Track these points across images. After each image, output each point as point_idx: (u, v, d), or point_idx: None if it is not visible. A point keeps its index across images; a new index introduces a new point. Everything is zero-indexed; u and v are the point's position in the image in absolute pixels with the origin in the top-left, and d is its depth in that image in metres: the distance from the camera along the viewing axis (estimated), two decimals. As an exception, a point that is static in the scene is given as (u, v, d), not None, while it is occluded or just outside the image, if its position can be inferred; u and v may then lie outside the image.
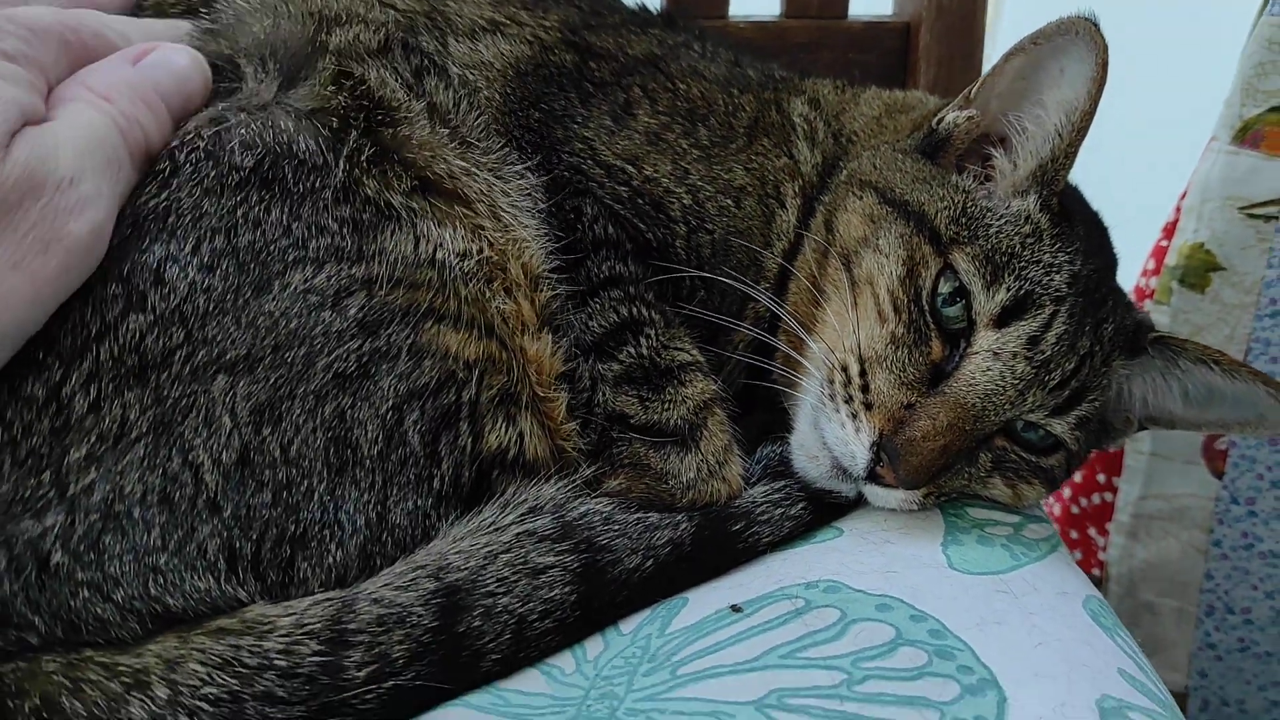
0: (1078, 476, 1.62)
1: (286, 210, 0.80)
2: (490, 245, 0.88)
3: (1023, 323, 0.91)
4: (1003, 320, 0.91)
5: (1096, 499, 1.59)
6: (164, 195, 0.78)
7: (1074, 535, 1.64)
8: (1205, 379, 0.98)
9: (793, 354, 0.97)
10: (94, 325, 0.74)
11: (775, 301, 0.99)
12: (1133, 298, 1.49)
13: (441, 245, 0.84)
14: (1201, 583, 1.50)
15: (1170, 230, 1.43)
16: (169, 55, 0.81)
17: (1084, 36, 0.90)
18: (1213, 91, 1.39)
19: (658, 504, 0.90)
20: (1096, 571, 1.62)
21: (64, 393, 0.73)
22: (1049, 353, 0.91)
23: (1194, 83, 1.65)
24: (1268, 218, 1.30)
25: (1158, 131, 1.66)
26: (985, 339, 0.91)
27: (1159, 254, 1.44)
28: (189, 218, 0.78)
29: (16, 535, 0.71)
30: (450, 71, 0.95)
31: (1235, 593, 1.48)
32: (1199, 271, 1.37)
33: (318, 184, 0.82)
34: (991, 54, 1.53)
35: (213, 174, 0.79)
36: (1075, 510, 1.63)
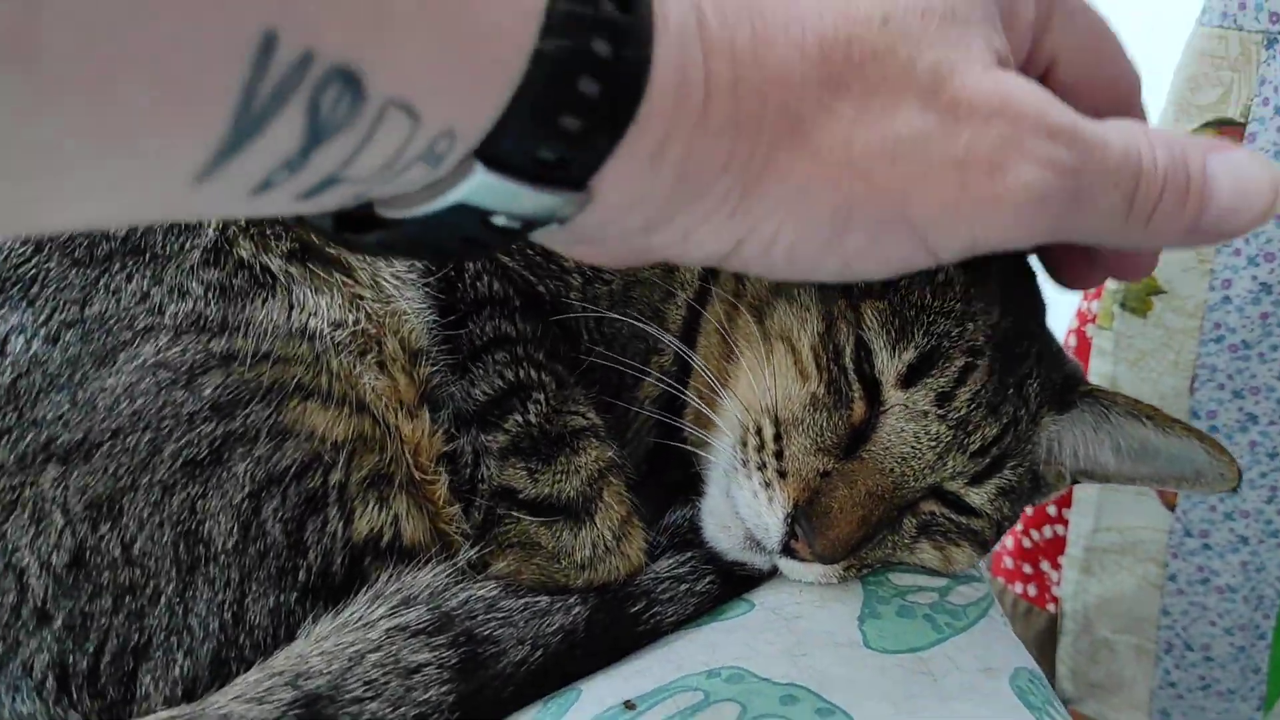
0: (1028, 510, 1.56)
1: (148, 275, 0.73)
2: (368, 317, 0.80)
3: (928, 379, 0.83)
4: (909, 378, 0.83)
5: (1048, 532, 1.53)
6: (34, 261, 0.71)
7: (1027, 570, 1.58)
8: (1138, 434, 0.91)
9: (704, 409, 0.89)
10: None
11: (684, 350, 0.91)
12: (1074, 322, 1.44)
13: (316, 314, 0.77)
14: (1158, 618, 1.44)
15: (1111, 252, 1.37)
16: (1250, 168, 0.64)
17: None
18: (1152, 106, 1.33)
19: (551, 587, 0.82)
20: (1051, 607, 1.55)
21: None
22: (964, 410, 0.83)
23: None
24: (1208, 240, 1.25)
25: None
26: (895, 398, 0.83)
27: (1100, 277, 1.39)
28: (52, 288, 0.71)
29: None
30: None
31: (1194, 629, 1.42)
32: (1140, 295, 1.31)
33: (187, 244, 0.74)
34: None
35: (84, 243, 0.72)
36: (1027, 544, 1.57)
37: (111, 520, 0.69)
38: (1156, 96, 1.28)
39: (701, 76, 0.51)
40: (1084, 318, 1.41)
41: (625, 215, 0.53)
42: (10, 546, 0.67)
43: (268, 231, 0.77)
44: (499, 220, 0.49)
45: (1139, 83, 0.69)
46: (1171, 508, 1.38)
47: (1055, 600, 1.54)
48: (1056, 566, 1.53)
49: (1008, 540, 1.61)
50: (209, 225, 0.75)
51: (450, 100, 0.44)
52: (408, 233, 0.49)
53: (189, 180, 0.38)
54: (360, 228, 0.50)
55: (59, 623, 0.67)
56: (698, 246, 0.57)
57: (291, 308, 0.76)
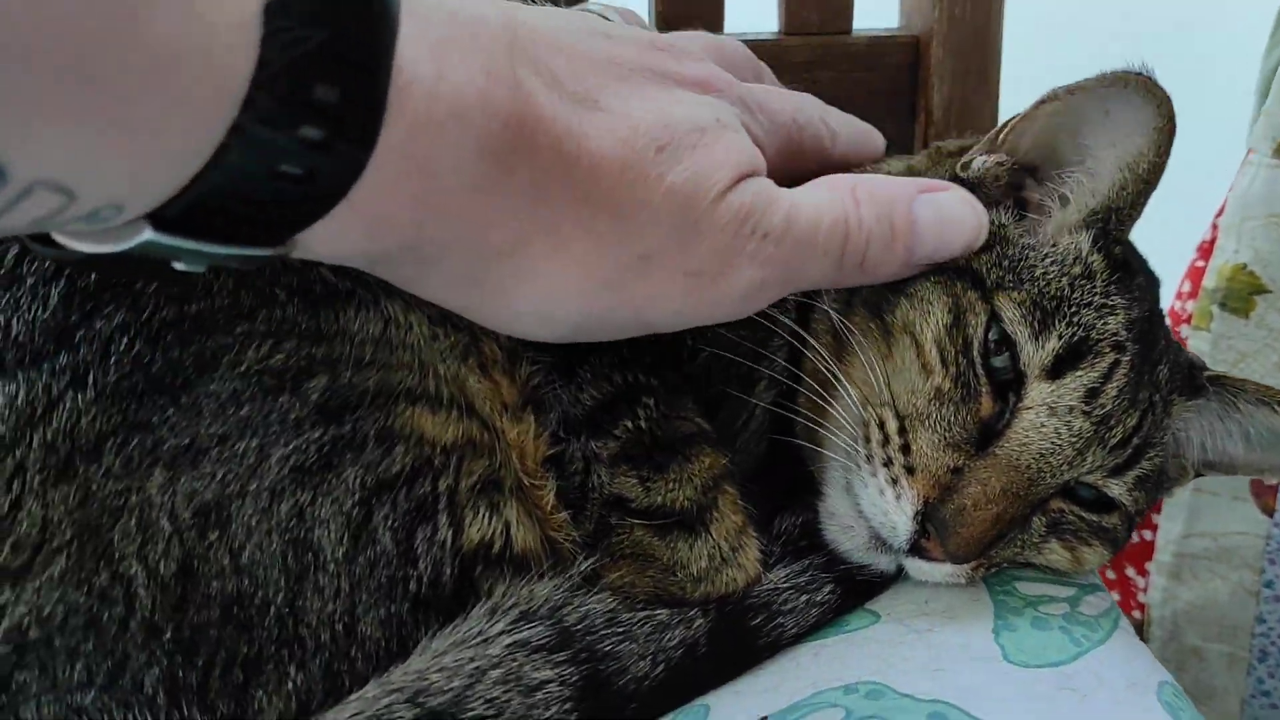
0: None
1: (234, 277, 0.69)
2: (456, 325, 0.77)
3: (1079, 373, 0.80)
4: (1056, 371, 0.80)
5: (1135, 537, 1.49)
6: None
7: (1111, 576, 1.54)
8: (1269, 421, 0.88)
9: (823, 399, 0.86)
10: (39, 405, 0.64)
11: (800, 335, 0.88)
12: (1169, 322, 1.40)
13: (409, 328, 0.73)
14: (1253, 626, 1.40)
15: (1207, 250, 1.33)
16: (955, 205, 0.79)
17: (1136, 90, 0.79)
18: (1240, 97, 1.30)
19: (666, 599, 0.79)
20: (1137, 614, 1.51)
21: None
22: (1109, 406, 0.80)
23: (1218, 89, 1.57)
24: (1315, 236, 1.21)
25: (1183, 141, 1.56)
26: (1039, 392, 0.80)
27: (1195, 275, 1.35)
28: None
29: None
30: None
31: (1290, 637, 1.38)
32: (1241, 294, 1.27)
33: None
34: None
35: None
36: (1111, 549, 1.53)
37: (220, 528, 0.66)
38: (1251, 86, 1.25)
39: (448, 166, 0.55)
40: (1177, 318, 1.37)
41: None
42: (118, 555, 0.64)
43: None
44: (179, 265, 0.50)
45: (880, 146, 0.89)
46: (1270, 513, 1.34)
47: (1141, 607, 1.50)
48: (1143, 573, 1.49)
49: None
50: None
51: (112, 183, 0.43)
52: (89, 259, 0.49)
53: None
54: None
55: (168, 635, 0.64)
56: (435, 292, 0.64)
57: (386, 322, 0.73)
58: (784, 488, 0.91)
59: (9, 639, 0.62)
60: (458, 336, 0.76)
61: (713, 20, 1.33)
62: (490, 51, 0.56)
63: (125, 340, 0.66)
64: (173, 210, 0.46)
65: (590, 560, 0.79)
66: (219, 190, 0.46)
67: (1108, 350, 0.81)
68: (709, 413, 0.89)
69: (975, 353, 0.81)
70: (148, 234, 0.46)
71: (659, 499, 0.81)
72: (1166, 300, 1.37)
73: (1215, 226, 1.31)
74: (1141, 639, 1.49)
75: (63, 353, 0.64)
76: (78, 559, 0.63)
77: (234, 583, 0.66)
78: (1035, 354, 0.80)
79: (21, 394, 0.64)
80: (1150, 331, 0.85)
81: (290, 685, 0.67)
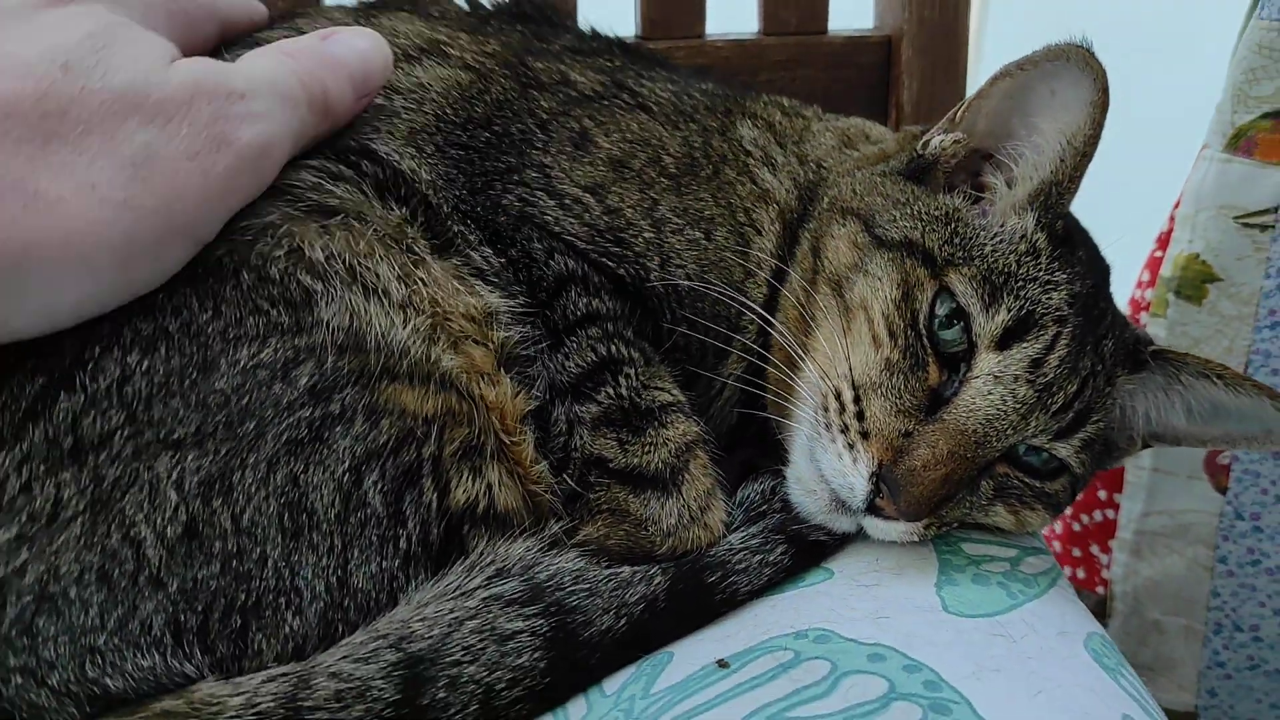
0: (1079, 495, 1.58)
1: (216, 295, 0.77)
2: (419, 309, 0.84)
3: (1025, 344, 0.87)
4: (1004, 342, 0.87)
5: (1098, 516, 1.55)
6: None
7: (1077, 554, 1.60)
8: (1208, 394, 0.95)
9: (786, 375, 0.93)
10: (23, 401, 0.72)
11: (766, 318, 0.95)
12: (1128, 311, 1.46)
13: (369, 320, 0.80)
14: (1208, 600, 1.45)
15: (1164, 240, 1.38)
16: (354, 36, 0.87)
17: (1076, 62, 0.86)
18: (1203, 96, 1.35)
19: (636, 552, 0.86)
20: (1101, 590, 1.57)
21: None
22: (1051, 375, 0.87)
23: (1183, 87, 1.61)
24: (1263, 227, 1.26)
25: (1147, 138, 1.62)
26: (986, 362, 0.87)
27: (1153, 265, 1.40)
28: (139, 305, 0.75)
29: None
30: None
31: (1243, 610, 1.43)
32: (1195, 283, 1.32)
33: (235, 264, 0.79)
34: (976, 69, 1.50)
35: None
36: (1077, 528, 1.59)
37: (223, 496, 0.72)
38: (1214, 85, 1.30)
39: None
40: (1137, 305, 1.43)
41: None
42: (129, 522, 0.70)
43: (301, 245, 0.80)
44: None
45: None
46: (1222, 491, 1.40)
47: (1105, 583, 1.56)
48: (1106, 550, 1.54)
49: (1057, 525, 1.63)
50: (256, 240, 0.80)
51: None
52: None
53: None
54: None
55: (173, 587, 0.71)
56: None
57: (352, 315, 0.79)
58: (751, 457, 0.98)
59: (30, 591, 0.69)
60: (419, 320, 0.82)
61: (695, 21, 1.39)
62: None
63: (118, 353, 0.73)
64: None
65: (561, 524, 0.87)
66: None
67: (1050, 324, 0.87)
68: (686, 384, 0.96)
69: (922, 325, 0.88)
70: None
71: (635, 460, 0.88)
72: (1128, 289, 1.44)
73: (1172, 218, 1.37)
74: (1105, 614, 1.57)
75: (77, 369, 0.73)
76: (90, 526, 0.70)
77: (234, 541, 0.72)
78: (986, 325, 0.87)
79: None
80: (1093, 304, 0.92)
81: (287, 629, 0.73)
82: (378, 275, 0.82)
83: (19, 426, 0.71)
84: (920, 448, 0.84)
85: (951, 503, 0.88)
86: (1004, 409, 0.86)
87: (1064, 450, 0.91)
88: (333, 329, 0.78)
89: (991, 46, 2.12)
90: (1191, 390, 0.96)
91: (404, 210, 0.88)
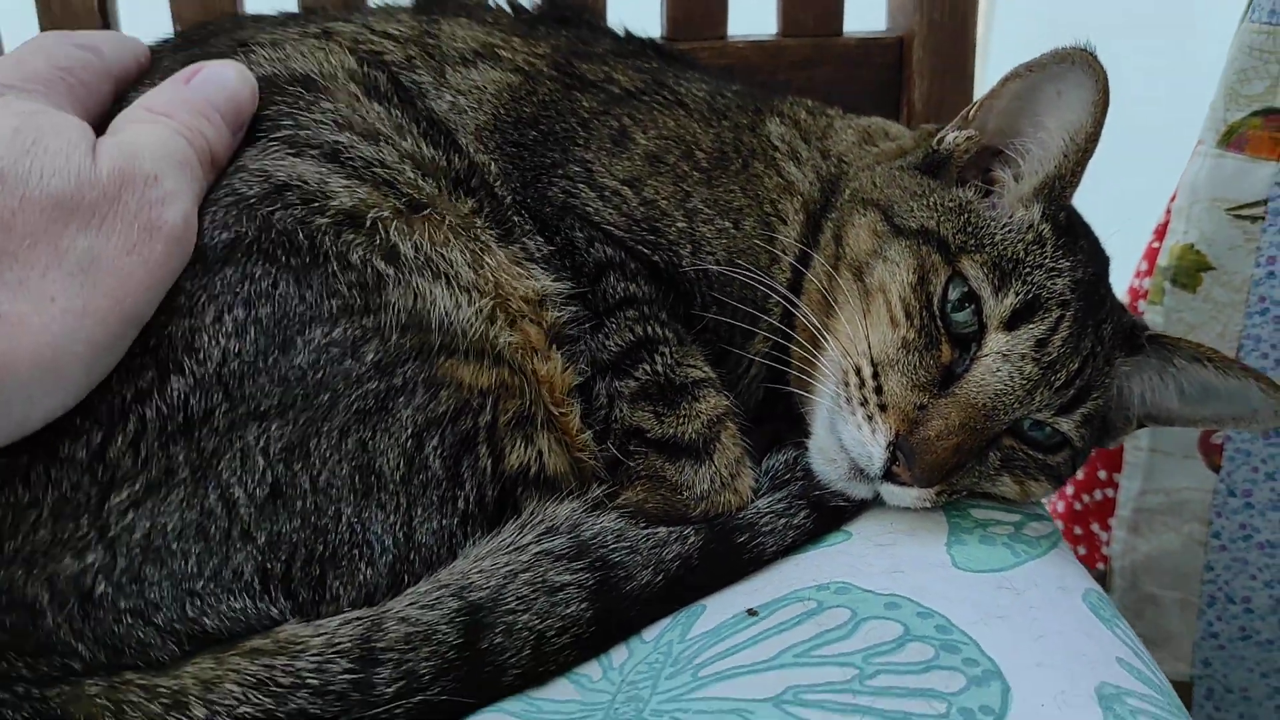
0: (1080, 474, 1.64)
1: (296, 280, 0.84)
2: (482, 291, 0.91)
3: (1031, 325, 0.95)
4: (1012, 324, 0.95)
5: (1099, 495, 1.62)
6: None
7: (1078, 531, 1.67)
8: (1200, 376, 1.03)
9: (810, 353, 1.00)
10: (129, 391, 0.78)
11: (791, 300, 1.03)
12: (1127, 299, 1.53)
13: (434, 302, 0.87)
14: (1202, 574, 1.53)
15: (1161, 232, 1.45)
16: (218, 71, 0.87)
17: (1080, 65, 0.94)
18: (1199, 96, 1.42)
19: (672, 514, 0.94)
20: (1101, 566, 1.64)
21: (109, 454, 0.76)
22: (1055, 354, 0.95)
23: (1180, 87, 1.68)
24: (1254, 218, 1.33)
25: (1146, 136, 1.69)
26: (995, 341, 0.95)
27: (1151, 255, 1.47)
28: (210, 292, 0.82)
29: (59, 573, 0.75)
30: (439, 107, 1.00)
31: (1235, 583, 1.51)
32: (1190, 271, 1.40)
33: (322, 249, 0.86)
34: (983, 68, 1.56)
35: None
36: (1078, 507, 1.66)
37: (302, 460, 0.80)
38: (1213, 84, 1.37)
39: None
40: (1136, 294, 1.50)
41: None
42: (223, 484, 0.78)
43: (392, 238, 0.87)
44: None
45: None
46: (1216, 469, 1.47)
47: (1105, 560, 1.63)
48: (1106, 528, 1.61)
49: (1059, 504, 1.70)
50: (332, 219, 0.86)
51: None
52: None
53: None
54: None
55: (261, 540, 0.78)
56: None
57: (416, 297, 0.87)
58: (778, 429, 1.06)
59: (139, 545, 0.76)
60: (482, 302, 0.90)
61: (717, 22, 1.47)
62: None
63: (206, 339, 0.81)
64: None
65: (604, 487, 0.94)
66: None
67: (1055, 307, 0.95)
68: (716, 362, 1.04)
69: (936, 307, 0.96)
70: None
71: (671, 430, 0.96)
72: (1128, 278, 1.51)
73: (1169, 211, 1.44)
74: (1105, 589, 1.63)
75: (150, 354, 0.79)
76: (192, 489, 0.78)
77: (313, 499, 0.80)
78: (995, 307, 0.95)
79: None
80: (1094, 290, 1.00)
81: (361, 578, 0.81)
82: (451, 261, 0.89)
83: (127, 408, 0.78)
84: (934, 419, 0.92)
85: (962, 471, 0.95)
86: (1011, 384, 0.93)
87: (1066, 425, 0.98)
88: (396, 310, 0.85)
89: (997, 48, 2.18)
90: (1184, 373, 1.04)
91: (474, 201, 0.96)
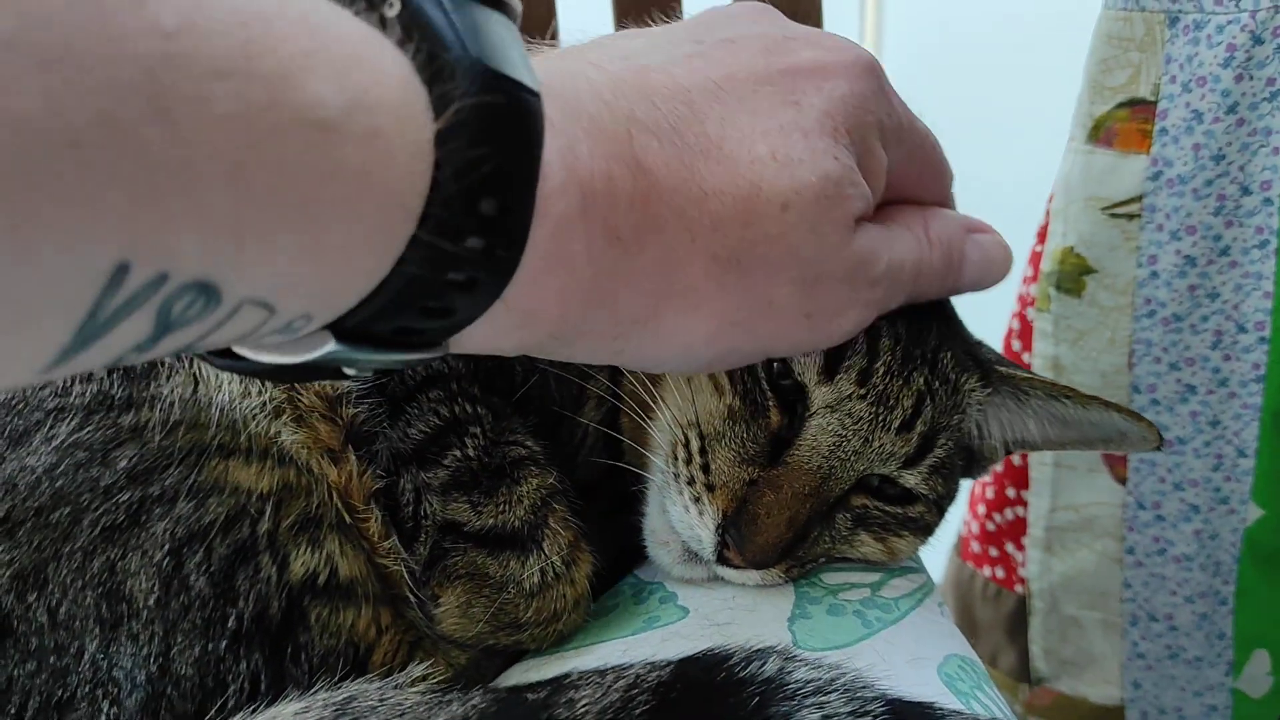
0: (989, 492, 1.57)
1: None
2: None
3: (848, 362, 0.84)
4: (829, 371, 0.85)
5: (1010, 514, 1.54)
6: None
7: (994, 553, 1.59)
8: (1060, 411, 0.93)
9: (641, 419, 0.90)
10: None
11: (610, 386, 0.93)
12: (1015, 306, 1.45)
13: (220, 388, 0.78)
14: (1121, 592, 1.45)
15: (1043, 234, 1.38)
16: (995, 249, 0.84)
17: None
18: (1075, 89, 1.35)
19: (501, 620, 0.83)
20: (1019, 588, 1.56)
21: None
22: (882, 384, 0.84)
23: (1059, 80, 1.62)
24: (1130, 216, 1.26)
25: (1024, 133, 1.62)
26: (820, 396, 0.84)
27: (1035, 260, 1.40)
28: None
29: None
30: None
31: (1155, 600, 1.43)
32: (1073, 275, 1.32)
33: None
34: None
35: None
36: (991, 527, 1.58)
37: (38, 590, 0.70)
38: (1073, 80, 1.30)
39: (584, 258, 0.57)
40: (1024, 301, 1.42)
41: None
42: None
43: None
44: (350, 371, 0.54)
45: (950, 176, 0.85)
46: (1122, 482, 1.39)
47: (1023, 581, 1.55)
48: (1021, 548, 1.54)
49: (973, 524, 1.62)
50: None
51: (307, 296, 0.46)
52: (259, 369, 0.52)
53: (36, 371, 0.39)
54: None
55: (-13, 689, 0.68)
56: (577, 358, 0.66)
57: (197, 382, 0.77)
58: (619, 505, 0.96)
59: None
60: (271, 393, 0.80)
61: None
62: (613, 136, 0.58)
63: None
64: (353, 320, 0.49)
65: (422, 585, 0.84)
66: (396, 299, 0.49)
67: (861, 336, 0.84)
68: (550, 433, 0.93)
69: (759, 370, 0.85)
70: (330, 345, 0.49)
71: (491, 520, 0.84)
72: (1014, 285, 1.43)
73: (1048, 212, 1.36)
74: (1025, 613, 1.56)
75: None
76: None
77: (51, 637, 0.70)
78: (806, 363, 0.84)
79: None
80: (913, 314, 0.87)
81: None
82: None
83: None
84: (765, 494, 0.82)
85: (805, 543, 0.86)
86: (844, 434, 0.84)
87: (911, 479, 0.88)
88: (166, 404, 0.76)
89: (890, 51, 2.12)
90: (1045, 408, 0.94)
91: None
